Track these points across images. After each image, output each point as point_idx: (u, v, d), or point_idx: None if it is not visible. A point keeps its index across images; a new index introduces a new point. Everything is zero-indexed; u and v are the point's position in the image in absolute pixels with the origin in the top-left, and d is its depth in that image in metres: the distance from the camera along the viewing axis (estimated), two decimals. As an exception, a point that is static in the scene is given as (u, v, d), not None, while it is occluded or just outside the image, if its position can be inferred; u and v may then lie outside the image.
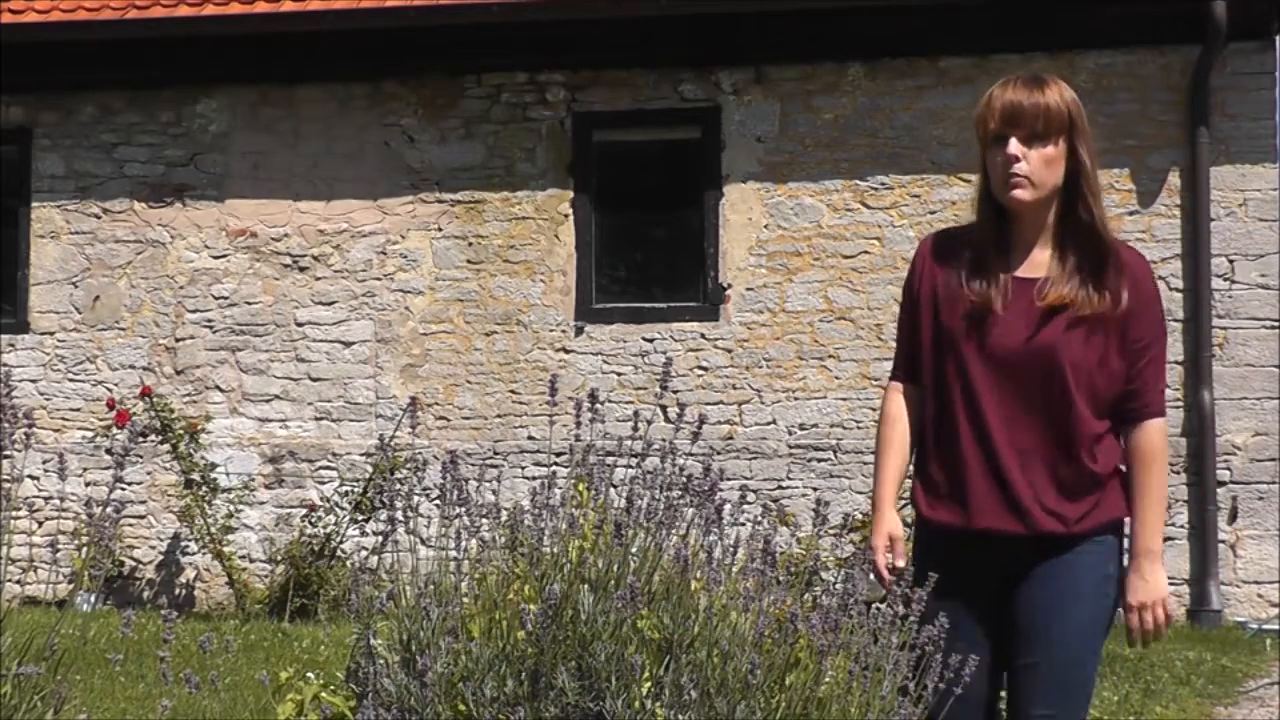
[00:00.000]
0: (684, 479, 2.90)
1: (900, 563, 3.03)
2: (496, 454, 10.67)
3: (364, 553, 10.18)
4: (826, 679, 2.71)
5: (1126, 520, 3.18)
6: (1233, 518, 10.04)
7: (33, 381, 11.23)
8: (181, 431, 10.41)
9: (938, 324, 3.17)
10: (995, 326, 3.11)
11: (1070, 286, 3.09)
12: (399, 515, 3.03)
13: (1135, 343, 3.12)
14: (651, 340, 10.61)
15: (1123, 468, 3.17)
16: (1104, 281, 3.09)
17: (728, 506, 2.95)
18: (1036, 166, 3.09)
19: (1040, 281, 3.12)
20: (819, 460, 10.39)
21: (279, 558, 10.30)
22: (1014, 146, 3.08)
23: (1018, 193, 3.10)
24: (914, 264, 3.28)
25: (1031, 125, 3.08)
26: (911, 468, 3.21)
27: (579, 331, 10.69)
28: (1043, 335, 3.09)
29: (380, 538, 10.10)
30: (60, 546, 10.63)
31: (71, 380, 11.25)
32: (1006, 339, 3.10)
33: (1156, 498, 3.15)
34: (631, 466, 3.01)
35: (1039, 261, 3.14)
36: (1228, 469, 10.05)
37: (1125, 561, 3.17)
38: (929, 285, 3.20)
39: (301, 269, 11.06)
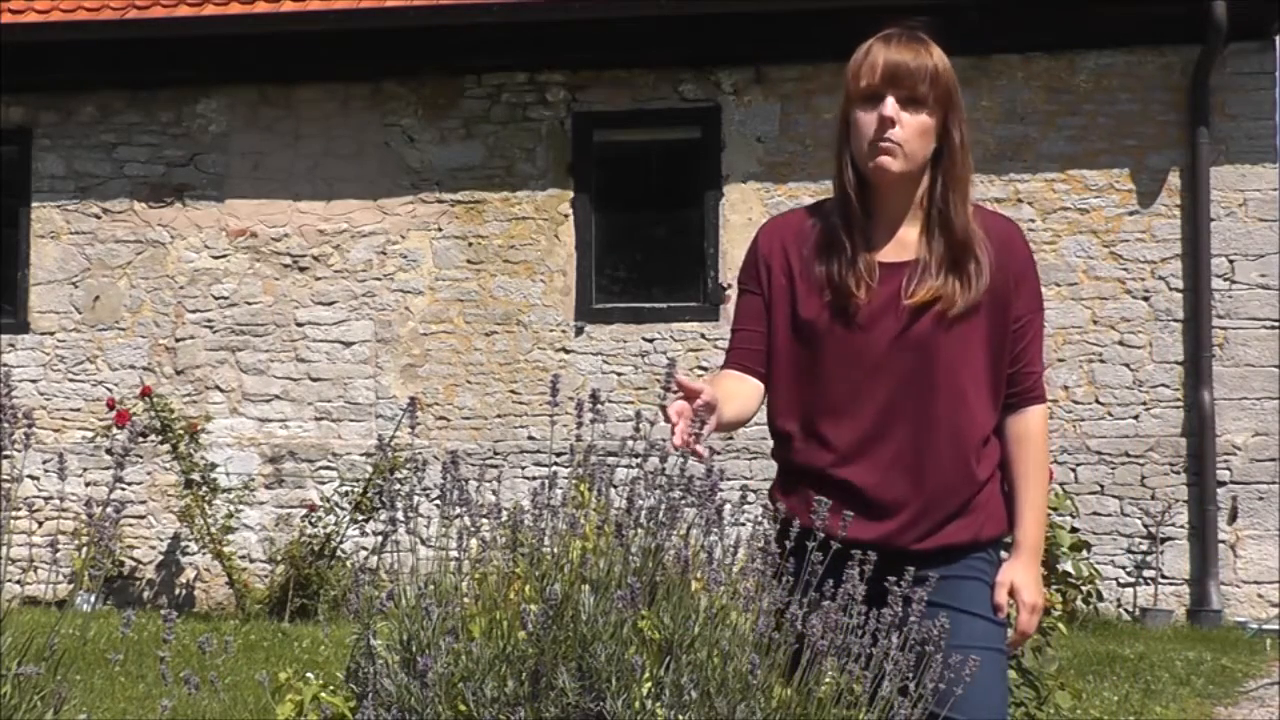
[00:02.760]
0: (685, 480, 2.89)
1: (702, 430, 2.57)
2: (496, 454, 10.67)
3: (364, 553, 10.18)
4: (827, 679, 2.70)
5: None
6: (1233, 518, 10.04)
7: (33, 381, 11.23)
8: (181, 431, 10.40)
9: (794, 318, 2.81)
10: (860, 320, 2.74)
11: (940, 279, 2.72)
12: (399, 515, 3.02)
13: (1016, 321, 2.78)
14: (651, 340, 10.60)
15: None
16: (973, 268, 2.73)
17: (728, 506, 2.93)
18: (911, 134, 2.72)
19: (909, 267, 2.75)
20: (819, 460, 10.38)
21: (279, 558, 10.30)
22: (890, 107, 2.71)
23: (885, 159, 2.72)
24: (753, 256, 2.90)
25: (914, 87, 2.73)
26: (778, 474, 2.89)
27: (579, 331, 10.69)
28: (914, 332, 2.73)
29: (380, 538, 10.10)
30: (60, 546, 10.62)
31: (71, 380, 11.25)
32: (874, 333, 2.73)
33: (1043, 488, 2.83)
34: (632, 467, 3.01)
35: (906, 243, 2.77)
36: (1228, 469, 10.05)
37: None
38: (780, 277, 2.83)
39: (301, 269, 11.06)
